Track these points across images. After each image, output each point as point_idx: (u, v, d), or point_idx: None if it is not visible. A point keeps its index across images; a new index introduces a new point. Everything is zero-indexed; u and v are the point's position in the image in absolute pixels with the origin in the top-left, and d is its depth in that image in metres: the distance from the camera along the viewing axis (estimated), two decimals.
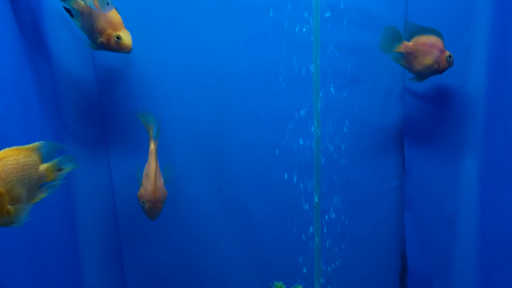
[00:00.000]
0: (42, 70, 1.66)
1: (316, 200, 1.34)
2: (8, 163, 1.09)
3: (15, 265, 1.50)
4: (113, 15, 1.52)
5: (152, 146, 1.53)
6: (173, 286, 1.86)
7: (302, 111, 1.75)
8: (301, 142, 1.77)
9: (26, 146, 1.16)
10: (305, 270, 1.71)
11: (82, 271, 1.80)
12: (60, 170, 1.29)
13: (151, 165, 1.52)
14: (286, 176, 1.80)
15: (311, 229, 1.73)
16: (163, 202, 1.53)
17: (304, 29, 1.72)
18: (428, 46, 1.60)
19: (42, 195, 1.22)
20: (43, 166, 1.22)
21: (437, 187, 1.79)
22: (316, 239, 1.35)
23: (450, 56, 1.60)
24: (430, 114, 1.76)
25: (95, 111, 1.77)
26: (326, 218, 1.76)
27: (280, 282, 1.50)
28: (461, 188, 1.79)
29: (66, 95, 1.74)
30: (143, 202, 1.51)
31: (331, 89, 1.74)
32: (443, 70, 1.62)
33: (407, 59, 1.63)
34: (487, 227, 1.72)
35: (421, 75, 1.65)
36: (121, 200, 1.82)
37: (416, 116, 1.76)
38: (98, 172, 1.80)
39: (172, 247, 1.84)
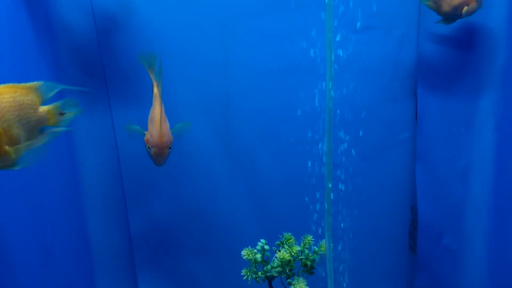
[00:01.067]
0: (38, 15, 1.58)
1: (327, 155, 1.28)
2: (4, 100, 1.02)
3: (18, 222, 1.46)
4: None
5: (155, 89, 1.46)
6: (178, 239, 1.83)
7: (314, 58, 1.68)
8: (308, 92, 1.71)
9: (24, 84, 1.09)
10: (313, 227, 1.67)
11: (87, 225, 1.77)
12: (62, 114, 1.22)
13: (156, 109, 1.46)
14: (296, 129, 1.75)
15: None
16: (169, 148, 1.47)
17: None
18: None
19: (43, 139, 1.16)
20: (44, 108, 1.15)
21: (450, 139, 1.73)
22: (326, 195, 1.30)
23: None
24: (445, 62, 1.68)
25: (95, 59, 1.70)
26: (338, 173, 1.72)
27: (289, 233, 1.46)
28: (476, 140, 1.73)
29: (64, 42, 1.66)
30: (149, 147, 1.46)
31: (343, 35, 1.67)
32: (472, 12, 1.52)
33: None
34: (501, 181, 1.66)
35: (449, 17, 1.55)
36: (125, 152, 1.76)
37: (431, 63, 1.68)
38: (100, 122, 1.74)
39: (177, 201, 1.80)
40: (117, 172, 1.78)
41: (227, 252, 1.84)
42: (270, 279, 1.44)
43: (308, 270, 1.43)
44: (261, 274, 1.40)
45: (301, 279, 1.34)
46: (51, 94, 1.18)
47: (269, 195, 1.82)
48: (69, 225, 1.65)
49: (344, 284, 1.79)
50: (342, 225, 1.75)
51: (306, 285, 1.33)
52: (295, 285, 1.32)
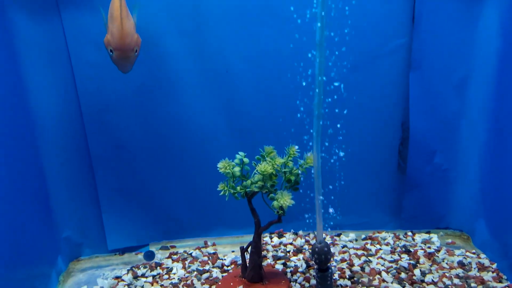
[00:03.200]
0: None
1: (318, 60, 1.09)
2: None
3: None
4: None
5: None
6: (142, 158, 1.63)
7: None
8: None
9: None
10: (305, 137, 1.49)
11: (42, 150, 1.55)
12: None
13: (115, 3, 1.22)
14: (279, 34, 1.54)
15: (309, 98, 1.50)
16: (136, 51, 1.24)
17: None
18: None
19: None
20: None
21: (449, 45, 1.55)
22: (316, 100, 1.12)
23: None
24: None
25: None
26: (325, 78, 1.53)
27: (271, 146, 1.29)
28: (477, 47, 1.56)
29: None
30: (110, 51, 1.23)
31: None
32: None
33: None
34: (503, 94, 1.50)
35: None
36: (79, 62, 1.51)
37: None
38: (48, 29, 1.48)
39: (144, 120, 1.59)
40: (72, 88, 1.54)
41: (201, 169, 1.66)
42: (250, 196, 1.28)
43: (292, 186, 1.27)
44: (240, 189, 1.24)
45: (285, 192, 1.18)
46: None
47: (249, 110, 1.63)
48: (22, 151, 1.43)
49: (331, 205, 1.66)
50: (327, 143, 1.59)
51: (292, 199, 1.18)
52: (279, 199, 1.17)
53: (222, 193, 1.21)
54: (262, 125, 1.62)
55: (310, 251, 1.28)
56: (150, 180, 1.68)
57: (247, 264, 1.37)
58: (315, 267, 1.28)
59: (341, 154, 1.55)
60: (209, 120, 1.61)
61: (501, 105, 1.51)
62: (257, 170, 1.22)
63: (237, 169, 1.22)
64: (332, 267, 1.40)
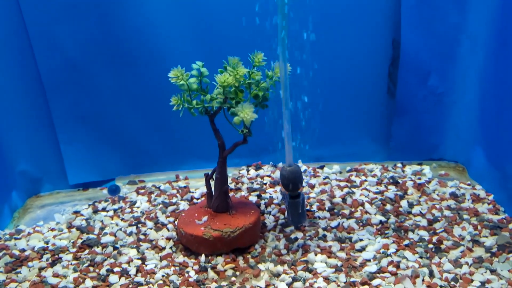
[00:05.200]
0: None
1: None
2: None
3: None
4: None
5: None
6: (94, 73, 1.46)
7: None
8: None
9: None
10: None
11: None
12: None
13: None
14: None
15: None
16: None
17: None
18: None
19: None
20: None
21: None
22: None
23: None
24: None
25: None
26: None
27: (236, 57, 1.11)
28: None
29: None
30: None
31: None
32: None
33: None
34: (510, 3, 1.31)
35: None
36: None
37: None
38: None
39: (101, 34, 1.39)
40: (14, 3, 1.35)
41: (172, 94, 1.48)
42: (211, 115, 1.12)
43: (260, 102, 1.10)
44: (197, 105, 1.07)
45: (246, 104, 1.01)
46: None
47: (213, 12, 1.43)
48: None
49: (313, 134, 1.50)
50: (304, 55, 1.40)
51: (255, 112, 1.01)
52: (240, 112, 1.00)
53: (175, 108, 1.05)
54: (230, 39, 1.43)
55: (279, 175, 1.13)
56: (112, 106, 1.50)
57: (213, 193, 1.23)
58: (284, 193, 1.14)
59: (315, 66, 1.35)
60: (176, 33, 1.41)
61: (507, 17, 1.31)
62: (217, 82, 1.05)
63: (193, 80, 1.05)
64: (304, 194, 1.24)
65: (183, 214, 1.26)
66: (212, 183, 1.23)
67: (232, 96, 1.06)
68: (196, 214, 1.24)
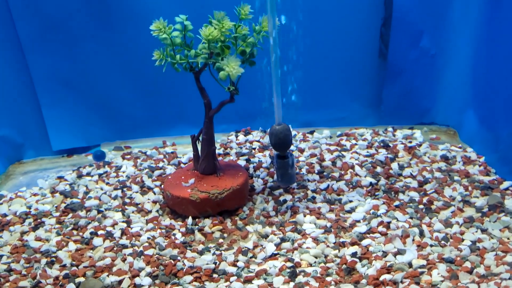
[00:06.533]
0: None
1: None
2: None
3: None
4: None
5: None
6: (89, 40, 1.40)
7: None
8: None
9: None
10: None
11: None
12: None
13: None
14: None
15: None
16: None
17: None
18: None
19: None
20: None
21: None
22: None
23: None
24: None
25: None
26: None
27: (222, 11, 1.05)
28: None
29: None
30: None
31: None
32: None
33: None
34: None
35: None
36: None
37: None
38: None
39: None
40: None
41: (141, 40, 1.33)
42: (196, 72, 1.08)
43: (247, 59, 1.06)
44: (181, 60, 1.02)
45: (232, 57, 0.97)
46: None
47: None
48: None
49: (303, 98, 1.46)
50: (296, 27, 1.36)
51: (241, 66, 0.97)
52: (226, 66, 0.96)
53: (157, 63, 1.01)
54: None
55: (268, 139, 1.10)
56: (96, 69, 1.45)
57: (199, 155, 1.20)
58: (274, 153, 1.11)
59: (305, 27, 1.29)
60: None
61: None
62: (202, 36, 1.00)
63: (176, 34, 1.00)
64: (293, 154, 1.21)
65: (170, 177, 1.23)
66: (199, 145, 1.19)
67: (218, 52, 1.01)
68: (182, 177, 1.21)
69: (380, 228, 1.09)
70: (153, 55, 1.00)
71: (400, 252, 1.02)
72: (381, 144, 1.45)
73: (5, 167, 1.48)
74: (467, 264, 0.98)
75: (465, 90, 1.47)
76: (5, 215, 1.22)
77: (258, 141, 1.53)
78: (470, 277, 0.95)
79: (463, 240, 1.06)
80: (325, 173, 1.32)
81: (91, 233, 1.13)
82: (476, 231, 1.08)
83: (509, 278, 0.92)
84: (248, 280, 0.98)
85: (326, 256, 1.04)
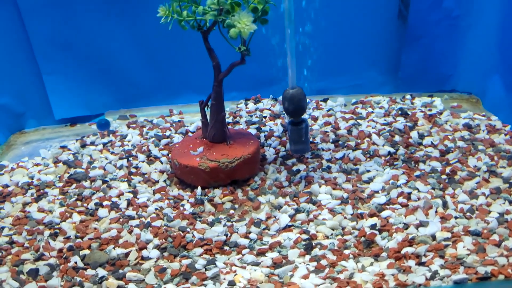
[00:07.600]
0: None
1: None
2: None
3: None
4: None
5: None
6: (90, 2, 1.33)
7: None
8: None
9: None
10: None
11: None
12: None
13: None
14: None
15: None
16: None
17: None
18: None
19: None
20: None
21: None
22: None
23: None
24: None
25: None
26: None
27: None
28: None
29: None
30: None
31: None
32: None
33: None
34: None
35: None
36: None
37: None
38: None
39: None
40: None
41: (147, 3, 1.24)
42: (205, 32, 1.00)
43: (259, 17, 0.98)
44: (189, 17, 0.95)
45: (243, 13, 0.90)
46: None
47: None
48: None
49: (315, 65, 1.39)
50: None
51: (254, 23, 0.89)
52: (237, 22, 0.88)
53: (163, 20, 0.93)
54: None
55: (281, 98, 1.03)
56: (99, 34, 1.38)
57: (208, 122, 1.13)
58: (287, 119, 1.04)
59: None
60: None
61: None
62: None
63: None
64: (308, 121, 1.14)
65: (177, 146, 1.17)
66: (208, 111, 1.13)
67: (228, 9, 0.94)
68: (191, 145, 1.15)
69: (401, 199, 1.03)
70: (158, 12, 0.93)
71: (422, 224, 0.96)
72: (399, 112, 1.38)
73: (6, 137, 1.42)
74: (495, 237, 0.92)
75: (490, 54, 1.38)
76: (6, 186, 1.17)
77: (269, 109, 1.46)
78: (498, 251, 0.89)
79: (490, 212, 0.99)
80: (340, 142, 1.25)
81: (95, 204, 1.08)
82: (504, 203, 1.01)
83: None
84: (261, 253, 0.93)
85: (343, 228, 0.98)
